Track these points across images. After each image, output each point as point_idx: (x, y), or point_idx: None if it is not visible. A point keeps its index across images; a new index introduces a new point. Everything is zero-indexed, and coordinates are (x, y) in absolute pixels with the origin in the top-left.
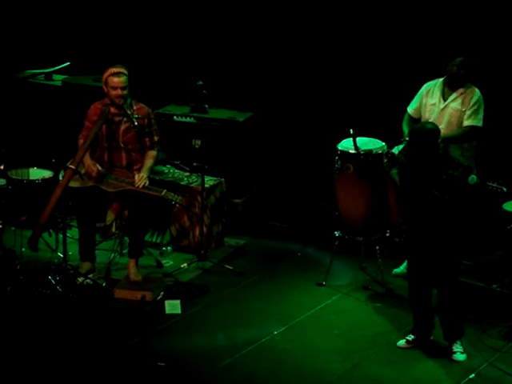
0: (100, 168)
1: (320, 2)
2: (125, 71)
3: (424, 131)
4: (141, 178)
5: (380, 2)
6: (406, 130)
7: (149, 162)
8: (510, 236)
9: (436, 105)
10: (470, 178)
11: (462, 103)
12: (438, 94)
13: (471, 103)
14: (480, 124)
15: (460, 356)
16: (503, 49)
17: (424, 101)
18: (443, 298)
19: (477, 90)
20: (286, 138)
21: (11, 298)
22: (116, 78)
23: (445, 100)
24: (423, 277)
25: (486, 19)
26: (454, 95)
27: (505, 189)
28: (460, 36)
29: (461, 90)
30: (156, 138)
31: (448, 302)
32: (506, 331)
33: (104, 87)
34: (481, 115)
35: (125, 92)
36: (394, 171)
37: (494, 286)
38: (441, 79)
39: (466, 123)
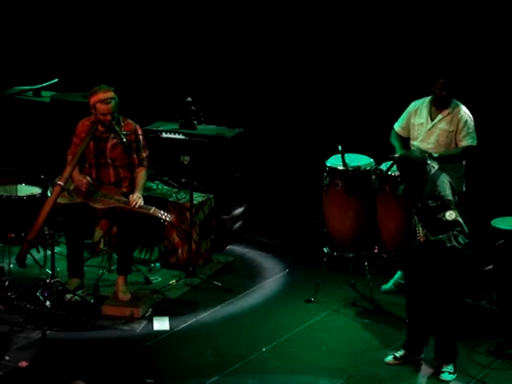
0: (89, 179)
1: (307, 20)
2: (112, 95)
3: (406, 160)
4: (135, 199)
5: (367, 20)
6: (395, 143)
7: (140, 180)
8: (499, 252)
9: (423, 125)
10: (447, 214)
11: (450, 123)
12: (425, 113)
13: (461, 123)
14: (475, 143)
15: (448, 376)
16: (492, 64)
17: (412, 120)
18: (441, 320)
19: (464, 109)
20: (275, 154)
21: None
22: (105, 106)
23: (432, 120)
24: (422, 293)
25: (472, 36)
26: (440, 116)
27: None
28: (447, 53)
29: (448, 110)
30: (144, 154)
31: (446, 325)
32: (494, 347)
33: (92, 110)
34: (474, 133)
35: (114, 115)
36: (401, 188)
37: (483, 302)
38: (428, 98)
39: (463, 144)
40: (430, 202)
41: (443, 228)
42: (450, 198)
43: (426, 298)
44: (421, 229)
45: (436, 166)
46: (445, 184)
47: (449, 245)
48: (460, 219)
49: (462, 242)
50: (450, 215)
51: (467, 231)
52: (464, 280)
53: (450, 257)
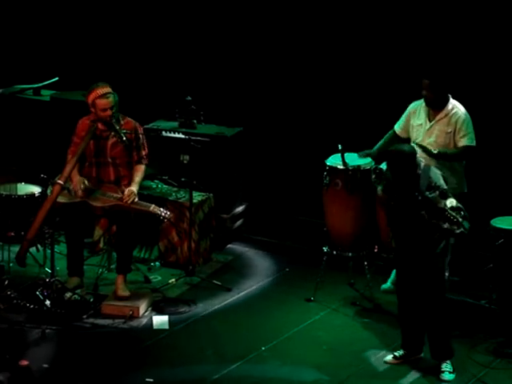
0: (87, 183)
1: (306, 20)
2: (110, 90)
3: (399, 153)
4: (129, 194)
5: (367, 19)
6: (380, 142)
7: (137, 176)
8: (499, 252)
9: (422, 125)
10: (448, 202)
11: (448, 124)
12: (423, 114)
13: (459, 124)
14: (474, 143)
15: (448, 375)
16: (492, 64)
17: (411, 121)
18: (431, 317)
19: (462, 109)
20: (275, 153)
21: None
22: (104, 100)
23: (430, 121)
24: (411, 292)
25: (472, 36)
26: (439, 116)
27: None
28: (448, 53)
29: (445, 111)
30: (144, 152)
31: (435, 322)
32: (494, 347)
33: (91, 109)
34: (472, 134)
35: (114, 110)
36: (380, 187)
37: (483, 301)
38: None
39: (461, 144)
40: (427, 193)
41: (446, 216)
42: (446, 187)
43: (415, 296)
44: (458, 214)
45: (423, 160)
46: (438, 174)
47: (458, 231)
48: (460, 205)
49: (467, 226)
50: (451, 203)
51: (468, 216)
52: (444, 274)
53: (434, 253)
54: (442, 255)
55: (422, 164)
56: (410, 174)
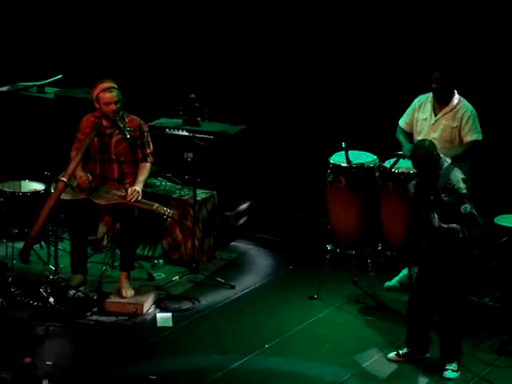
0: (91, 178)
1: (309, 17)
2: (115, 85)
3: (423, 148)
4: (133, 192)
5: (369, 15)
6: (402, 139)
7: (142, 175)
8: (502, 250)
9: (427, 120)
10: (462, 208)
11: (453, 119)
12: (429, 108)
13: (465, 118)
14: (480, 137)
15: (451, 374)
16: (497, 61)
17: (416, 115)
18: (445, 320)
19: (467, 104)
20: (278, 151)
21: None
22: (108, 94)
23: (436, 115)
24: (425, 292)
25: (476, 31)
26: (444, 110)
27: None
28: (451, 48)
29: (451, 105)
30: (148, 150)
31: (449, 325)
32: (498, 345)
33: (96, 104)
34: (478, 127)
35: (118, 106)
36: (412, 183)
37: (486, 299)
38: (432, 93)
39: (467, 139)
40: (443, 195)
41: (458, 221)
42: (464, 191)
43: (430, 296)
44: (436, 216)
45: (449, 160)
46: (458, 177)
47: (461, 235)
48: (475, 212)
49: (476, 233)
50: (465, 209)
51: (481, 223)
52: (468, 278)
53: (458, 255)
54: (461, 260)
55: (446, 164)
56: (430, 173)
